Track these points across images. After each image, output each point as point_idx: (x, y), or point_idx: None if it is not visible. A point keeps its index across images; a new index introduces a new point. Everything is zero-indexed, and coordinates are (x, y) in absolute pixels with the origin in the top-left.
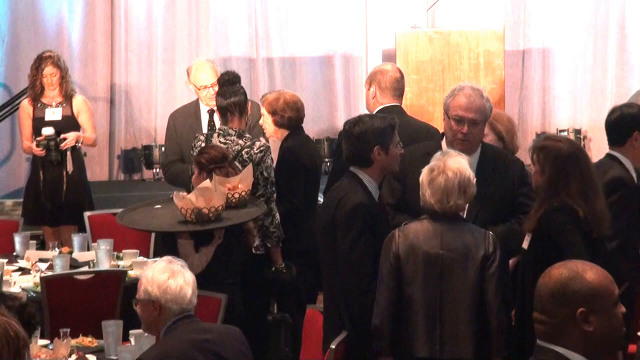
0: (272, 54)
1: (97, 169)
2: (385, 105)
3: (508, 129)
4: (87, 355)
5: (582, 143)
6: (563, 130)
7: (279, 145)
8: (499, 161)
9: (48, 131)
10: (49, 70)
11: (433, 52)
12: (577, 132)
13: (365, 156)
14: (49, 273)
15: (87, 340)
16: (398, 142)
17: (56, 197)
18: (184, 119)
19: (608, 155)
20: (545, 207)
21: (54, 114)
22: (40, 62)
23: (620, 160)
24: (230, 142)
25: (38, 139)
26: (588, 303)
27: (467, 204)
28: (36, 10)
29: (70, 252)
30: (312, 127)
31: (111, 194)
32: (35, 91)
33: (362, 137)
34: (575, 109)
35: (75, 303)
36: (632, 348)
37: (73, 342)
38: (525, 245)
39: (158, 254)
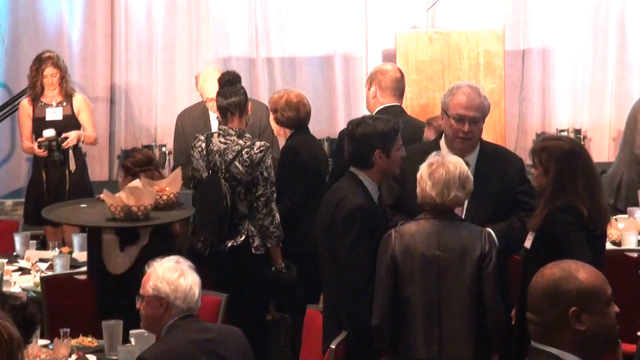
0: (272, 54)
1: (98, 169)
2: (386, 105)
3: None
4: (87, 355)
5: (582, 143)
6: (563, 130)
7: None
8: (498, 159)
9: (49, 133)
10: (49, 71)
11: (433, 52)
12: (577, 132)
13: (366, 158)
14: (49, 273)
15: (87, 340)
16: (400, 146)
17: (59, 197)
18: (192, 120)
19: None
20: (549, 207)
21: (54, 113)
22: (40, 62)
23: None
24: (230, 142)
25: (39, 140)
26: (580, 302)
27: (466, 201)
28: (36, 10)
29: (70, 252)
30: (312, 127)
31: None
32: (36, 92)
33: (364, 139)
34: (575, 109)
35: (75, 303)
36: (632, 348)
37: (73, 342)
38: (527, 244)
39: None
